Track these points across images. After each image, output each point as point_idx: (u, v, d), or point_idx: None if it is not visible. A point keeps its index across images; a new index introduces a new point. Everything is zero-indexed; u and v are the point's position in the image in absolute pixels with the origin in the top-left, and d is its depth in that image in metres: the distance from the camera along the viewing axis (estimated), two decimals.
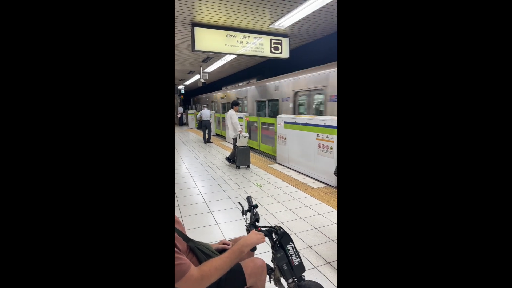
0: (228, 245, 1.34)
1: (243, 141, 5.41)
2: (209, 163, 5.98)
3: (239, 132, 5.47)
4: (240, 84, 10.64)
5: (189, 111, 16.82)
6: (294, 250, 1.31)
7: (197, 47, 4.07)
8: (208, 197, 3.72)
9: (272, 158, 6.46)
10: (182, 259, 0.89)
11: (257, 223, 1.35)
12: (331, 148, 4.24)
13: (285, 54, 4.70)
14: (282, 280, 1.37)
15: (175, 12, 3.72)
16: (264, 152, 7.18)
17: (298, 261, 1.30)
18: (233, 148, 5.79)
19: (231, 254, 1.02)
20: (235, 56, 6.06)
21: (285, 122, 5.52)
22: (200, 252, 1.12)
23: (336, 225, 2.77)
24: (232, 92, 10.68)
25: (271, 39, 4.56)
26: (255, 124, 7.48)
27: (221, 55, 6.08)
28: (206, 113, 9.21)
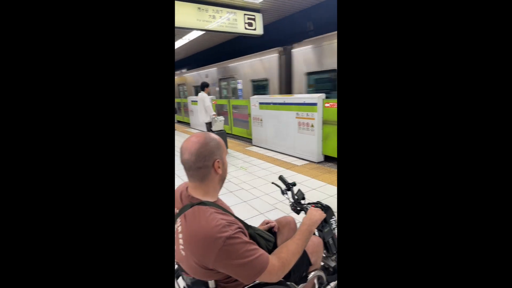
0: (272, 224, 1.30)
1: (218, 125, 5.25)
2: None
3: (213, 116, 5.28)
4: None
5: None
6: (336, 223, 1.34)
7: None
8: None
9: (248, 140, 6.43)
10: (259, 249, 0.84)
11: (302, 201, 1.33)
12: (312, 126, 4.38)
13: (259, 30, 4.58)
14: None
15: None
16: (238, 135, 7.11)
17: None
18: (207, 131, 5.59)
19: (301, 235, 0.98)
20: (200, 34, 5.70)
21: (260, 103, 5.49)
22: (261, 238, 1.07)
23: (332, 198, 2.93)
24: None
25: (244, 14, 4.37)
26: (225, 106, 7.30)
27: (183, 32, 5.65)
28: None
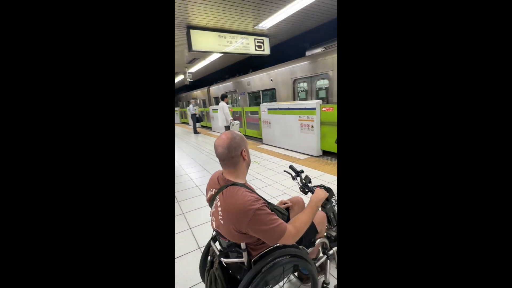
0: (288, 204, 1.36)
1: (235, 128, 5.33)
2: (204, 150, 5.82)
3: (231, 121, 5.37)
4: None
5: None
6: (335, 200, 1.38)
7: (194, 48, 3.81)
8: None
9: (259, 140, 6.49)
10: (279, 219, 0.89)
11: (309, 184, 1.38)
12: (312, 126, 4.39)
13: (267, 51, 4.63)
14: None
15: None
16: (250, 136, 7.17)
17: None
18: None
19: (311, 209, 1.03)
20: (219, 56, 5.80)
21: (268, 109, 5.53)
22: (278, 212, 1.12)
23: (331, 184, 2.95)
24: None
25: (255, 39, 4.43)
26: (240, 113, 7.37)
27: (207, 55, 5.77)
28: (191, 109, 9.24)
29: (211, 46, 3.96)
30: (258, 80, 6.46)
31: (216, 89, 9.29)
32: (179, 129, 11.08)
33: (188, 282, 1.52)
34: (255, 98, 7.27)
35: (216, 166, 4.19)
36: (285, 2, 3.35)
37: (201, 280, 1.50)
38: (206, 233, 2.09)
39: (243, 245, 0.93)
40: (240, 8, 3.42)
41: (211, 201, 1.03)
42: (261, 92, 6.70)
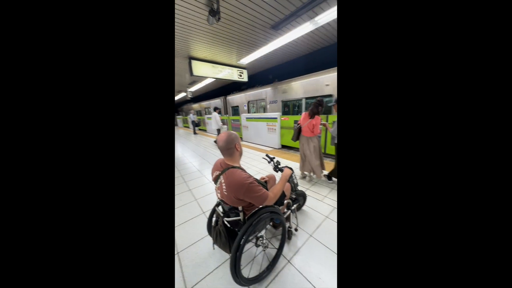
0: (265, 179, 1.40)
1: (223, 131, 5.21)
2: (202, 145, 5.59)
3: (221, 125, 5.25)
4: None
5: (177, 116, 14.82)
6: (294, 175, 1.49)
7: (194, 73, 3.61)
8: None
9: (240, 138, 6.42)
10: (263, 189, 0.88)
11: (279, 166, 1.45)
12: (275, 129, 4.53)
13: (245, 79, 4.60)
14: None
15: (177, 48, 3.18)
16: None
17: (296, 180, 1.51)
18: (218, 135, 5.51)
19: (282, 182, 1.03)
20: (213, 80, 5.55)
21: (247, 118, 5.52)
22: (261, 185, 1.15)
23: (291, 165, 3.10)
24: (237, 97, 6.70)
25: (237, 70, 4.36)
26: (226, 120, 7.20)
27: (203, 78, 5.48)
28: (191, 117, 8.72)
29: (207, 72, 3.78)
30: (300, 86, 3.98)
31: (234, 98, 7.15)
32: (182, 131, 10.35)
33: (197, 237, 1.49)
34: (293, 106, 4.47)
35: (210, 156, 4.08)
36: (255, 48, 3.38)
37: (207, 234, 1.49)
38: (207, 202, 2.06)
39: (240, 208, 0.96)
40: (227, 48, 3.34)
41: (216, 179, 1.02)
42: (304, 99, 4.06)
